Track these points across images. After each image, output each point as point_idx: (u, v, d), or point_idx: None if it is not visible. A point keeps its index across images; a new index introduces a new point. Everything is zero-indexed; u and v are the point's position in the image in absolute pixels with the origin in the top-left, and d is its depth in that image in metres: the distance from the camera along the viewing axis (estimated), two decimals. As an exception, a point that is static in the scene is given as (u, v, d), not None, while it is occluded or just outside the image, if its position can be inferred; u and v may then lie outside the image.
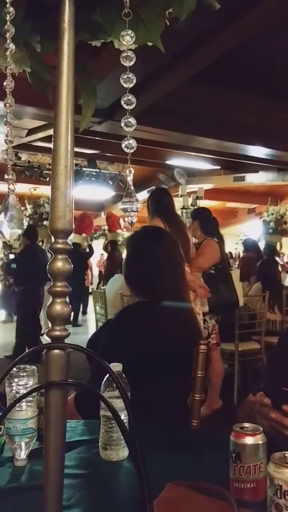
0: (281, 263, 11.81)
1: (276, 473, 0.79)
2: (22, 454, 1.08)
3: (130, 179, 0.75)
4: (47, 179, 8.51)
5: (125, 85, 0.71)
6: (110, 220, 11.34)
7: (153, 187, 7.68)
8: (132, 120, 0.72)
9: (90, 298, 7.95)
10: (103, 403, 1.06)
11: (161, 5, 0.77)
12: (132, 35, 0.72)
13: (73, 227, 0.70)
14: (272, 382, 1.14)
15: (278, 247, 8.71)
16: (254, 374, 4.51)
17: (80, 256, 9.41)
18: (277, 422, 0.94)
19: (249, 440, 0.90)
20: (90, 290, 9.73)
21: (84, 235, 10.43)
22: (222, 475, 0.92)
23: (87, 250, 10.31)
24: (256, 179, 9.11)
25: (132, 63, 0.72)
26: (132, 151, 0.72)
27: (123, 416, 0.95)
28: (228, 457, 0.92)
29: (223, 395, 3.85)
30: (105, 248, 10.72)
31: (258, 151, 6.78)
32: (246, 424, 0.94)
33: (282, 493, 0.78)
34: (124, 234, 12.14)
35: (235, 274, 3.98)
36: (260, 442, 0.91)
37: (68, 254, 0.69)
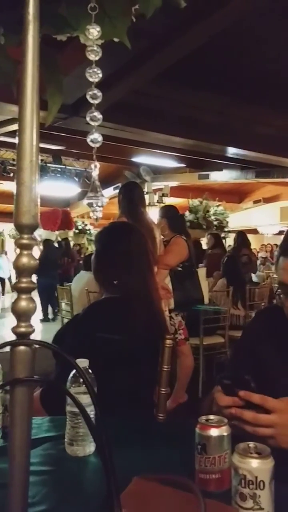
0: (263, 256, 12.03)
1: (240, 463, 0.81)
2: (-14, 452, 1.06)
3: (95, 174, 0.75)
4: (11, 174, 8.36)
5: (91, 79, 0.71)
6: (66, 218, 11.42)
7: (119, 184, 7.68)
8: (98, 115, 0.72)
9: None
10: (69, 399, 1.06)
11: (127, 1, 0.77)
12: (98, 29, 0.72)
13: (39, 222, 0.70)
14: (225, 373, 1.16)
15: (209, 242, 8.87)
16: (218, 367, 4.60)
17: (52, 251, 9.32)
18: (237, 418, 0.96)
19: (214, 432, 0.92)
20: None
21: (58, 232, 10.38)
22: (188, 467, 0.93)
23: (57, 245, 10.23)
24: (220, 177, 9.25)
25: (98, 57, 0.72)
26: (97, 145, 0.72)
27: (90, 411, 0.95)
28: (193, 449, 0.93)
29: (188, 388, 3.90)
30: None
31: (222, 149, 6.87)
32: (211, 416, 0.96)
33: (246, 482, 0.80)
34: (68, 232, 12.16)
35: (202, 271, 4.04)
36: (225, 434, 0.92)
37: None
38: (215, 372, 4.51)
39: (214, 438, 0.92)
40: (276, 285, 5.13)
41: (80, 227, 12.98)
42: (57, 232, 11.16)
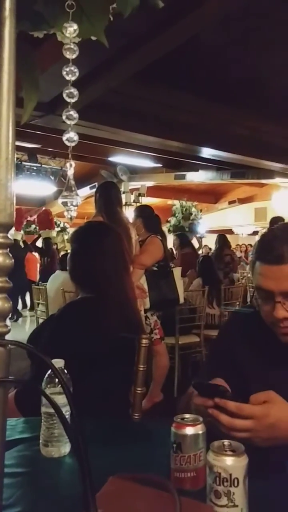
0: (239, 255, 12.18)
1: (215, 461, 0.81)
2: None
3: (70, 173, 0.74)
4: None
5: (67, 78, 0.71)
6: (47, 217, 11.22)
7: (96, 183, 7.65)
8: (74, 113, 0.72)
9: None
10: (44, 399, 1.05)
11: (105, 0, 0.77)
12: (75, 27, 0.72)
13: (14, 221, 0.69)
14: (201, 378, 1.17)
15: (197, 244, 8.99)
16: (194, 366, 4.63)
17: (17, 251, 9.21)
18: (214, 418, 0.97)
19: (189, 431, 0.92)
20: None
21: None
22: (164, 466, 0.94)
23: (22, 245, 10.12)
24: (196, 177, 9.32)
25: (75, 55, 0.71)
26: (73, 144, 0.72)
27: (65, 412, 0.95)
28: (169, 448, 0.94)
29: (164, 387, 3.91)
30: (33, 244, 10.58)
31: (198, 150, 6.93)
32: (187, 415, 0.96)
33: (221, 480, 0.80)
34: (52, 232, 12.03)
35: (177, 271, 4.06)
36: (200, 432, 0.93)
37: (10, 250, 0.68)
38: (191, 371, 4.54)
39: (190, 436, 0.92)
40: (251, 284, 5.22)
41: (61, 226, 12.85)
42: (22, 232, 11.04)
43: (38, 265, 10.89)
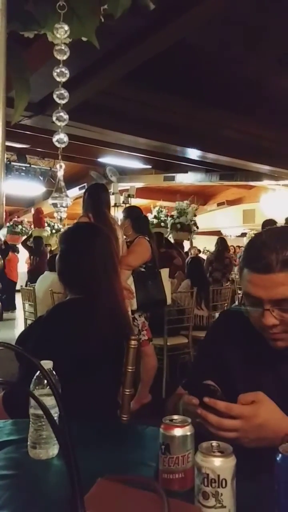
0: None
1: (203, 462, 0.81)
2: None
3: (60, 174, 0.74)
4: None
5: (58, 79, 0.71)
6: (39, 216, 11.10)
7: (85, 184, 7.62)
8: (64, 115, 0.72)
9: (18, 295, 7.74)
10: (32, 401, 1.04)
11: (96, 1, 0.77)
12: (66, 28, 0.72)
13: (4, 221, 0.69)
14: (193, 377, 1.17)
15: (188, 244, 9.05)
16: (182, 367, 4.64)
17: None
18: (202, 418, 0.97)
19: (178, 432, 0.92)
20: (17, 287, 9.42)
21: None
22: (152, 467, 0.94)
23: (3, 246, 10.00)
24: (186, 179, 9.35)
25: (65, 57, 0.72)
26: (63, 145, 0.72)
27: (54, 414, 0.94)
28: (157, 449, 0.94)
29: (152, 389, 3.91)
30: (24, 243, 10.44)
31: (187, 152, 6.95)
32: (175, 416, 0.97)
33: (209, 481, 0.80)
34: (49, 231, 11.89)
35: (164, 272, 4.06)
36: (189, 433, 0.93)
37: None
38: (179, 373, 4.55)
39: (178, 438, 0.92)
40: (239, 286, 5.25)
41: (55, 227, 12.59)
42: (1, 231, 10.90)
43: (27, 265, 10.78)
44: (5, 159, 0.69)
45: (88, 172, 9.62)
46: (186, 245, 9.50)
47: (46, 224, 12.09)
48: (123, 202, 7.82)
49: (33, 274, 9.02)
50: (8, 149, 7.76)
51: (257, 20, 3.78)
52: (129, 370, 1.61)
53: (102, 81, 4.31)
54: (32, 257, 9.95)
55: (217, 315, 4.59)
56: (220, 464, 0.81)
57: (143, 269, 3.80)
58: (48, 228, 12.16)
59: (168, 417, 0.96)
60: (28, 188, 9.40)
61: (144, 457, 0.98)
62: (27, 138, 6.29)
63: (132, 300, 3.59)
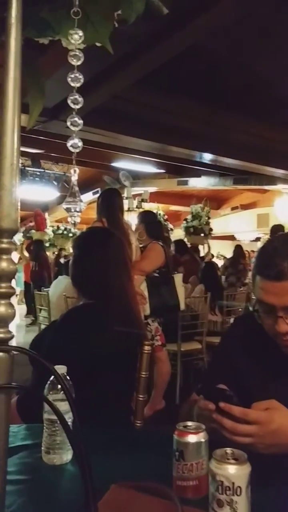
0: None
1: (217, 469, 0.81)
2: None
3: (74, 179, 0.74)
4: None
5: (72, 84, 0.71)
6: (39, 219, 10.74)
7: (98, 189, 7.65)
8: (78, 120, 0.72)
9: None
10: (46, 406, 1.04)
11: (110, 7, 0.77)
12: (80, 34, 0.72)
13: (19, 226, 0.69)
14: (208, 383, 1.16)
15: (205, 249, 9.05)
16: (196, 373, 4.61)
17: None
18: (217, 423, 0.96)
19: (191, 438, 0.92)
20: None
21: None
22: (166, 474, 0.93)
23: None
24: (199, 183, 9.33)
25: (80, 62, 0.72)
26: (77, 150, 0.72)
27: (67, 419, 0.94)
28: (171, 456, 0.93)
29: (166, 395, 3.89)
30: (27, 248, 9.93)
31: (201, 156, 6.94)
32: (189, 423, 0.96)
33: (224, 488, 0.80)
34: (51, 234, 11.56)
35: (178, 277, 4.04)
36: (203, 440, 0.92)
37: None
38: (193, 379, 4.52)
39: (192, 444, 0.92)
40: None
41: (62, 231, 12.41)
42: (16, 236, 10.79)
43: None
44: (20, 165, 0.69)
45: (102, 177, 9.66)
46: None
47: (50, 227, 11.80)
48: (136, 207, 7.83)
49: (34, 280, 8.70)
50: (23, 154, 7.82)
51: (272, 22, 3.77)
52: (143, 376, 1.60)
53: (116, 86, 4.33)
54: (32, 262, 9.29)
55: (231, 320, 4.56)
56: (234, 472, 0.80)
57: (156, 274, 3.79)
58: (50, 231, 11.77)
59: (182, 424, 0.95)
60: (42, 193, 9.44)
61: (157, 463, 0.97)
62: (41, 143, 6.34)
63: (145, 305, 3.58)
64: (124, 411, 1.59)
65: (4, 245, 0.67)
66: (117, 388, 1.53)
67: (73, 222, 0.76)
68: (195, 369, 4.69)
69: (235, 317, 3.91)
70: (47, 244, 11.31)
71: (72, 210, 0.74)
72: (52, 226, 12.17)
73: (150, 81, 4.30)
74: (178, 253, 6.47)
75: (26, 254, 9.89)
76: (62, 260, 10.15)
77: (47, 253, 10.45)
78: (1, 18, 0.69)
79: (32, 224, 11.64)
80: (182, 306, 4.00)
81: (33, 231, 11.03)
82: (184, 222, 9.26)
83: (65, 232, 12.03)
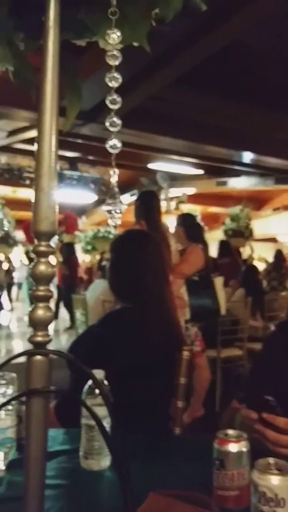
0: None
1: (260, 480, 0.79)
2: (1, 464, 1.04)
3: (114, 180, 0.73)
4: (27, 181, 8.40)
5: (110, 84, 0.70)
6: (69, 221, 10.42)
7: (135, 191, 7.67)
8: (117, 120, 0.71)
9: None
10: (84, 411, 1.04)
11: (147, 5, 0.76)
12: (118, 34, 0.71)
13: (57, 230, 0.69)
14: (251, 391, 1.13)
15: (246, 251, 8.94)
16: (236, 380, 4.51)
17: None
18: (260, 433, 0.94)
19: (232, 447, 0.90)
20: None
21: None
22: (206, 483, 0.91)
23: None
24: (239, 184, 9.19)
25: (118, 62, 0.71)
26: (116, 151, 0.71)
27: (105, 424, 0.93)
28: (211, 464, 0.91)
29: (205, 402, 3.83)
30: (60, 251, 9.61)
31: (241, 156, 6.85)
32: (230, 431, 0.94)
33: (266, 499, 0.78)
34: (81, 236, 11.45)
35: (218, 281, 3.98)
36: (244, 449, 0.90)
37: None
38: (233, 386, 4.43)
39: (233, 453, 0.89)
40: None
41: (103, 234, 12.22)
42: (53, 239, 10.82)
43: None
44: (58, 168, 0.69)
45: (139, 179, 9.67)
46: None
47: (90, 231, 11.79)
48: (175, 209, 7.81)
49: (65, 285, 8.55)
50: (60, 158, 7.96)
51: None
52: (182, 382, 1.58)
53: (153, 86, 4.33)
54: (63, 265, 9.00)
55: (272, 326, 4.45)
56: (278, 483, 0.78)
57: (196, 278, 3.75)
58: (81, 234, 11.64)
59: (222, 432, 0.93)
60: (79, 196, 9.52)
61: (197, 472, 0.95)
62: (79, 146, 6.43)
63: (185, 310, 3.54)
64: (162, 418, 1.57)
65: (42, 248, 0.67)
66: (155, 394, 1.51)
67: (114, 224, 0.75)
68: (236, 376, 4.60)
69: (278, 322, 3.81)
70: (88, 248, 11.37)
71: (113, 212, 0.73)
72: (92, 230, 12.24)
73: (187, 80, 4.27)
74: (221, 255, 6.40)
75: (59, 257, 9.87)
76: (104, 263, 10.10)
77: (89, 256, 10.47)
78: (39, 21, 0.69)
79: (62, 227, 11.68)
80: (223, 311, 3.93)
81: (64, 234, 10.89)
82: (223, 225, 9.17)
83: (105, 235, 11.99)
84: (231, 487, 0.89)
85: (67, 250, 9.31)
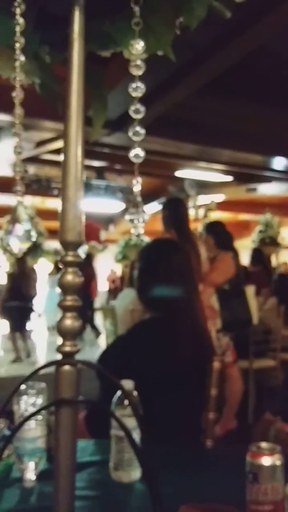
0: None
1: (295, 496, 0.76)
2: (31, 474, 1.04)
3: (137, 189, 0.73)
4: (55, 192, 8.50)
5: (133, 94, 0.70)
6: (87, 230, 10.78)
7: (164, 199, 7.65)
8: (140, 130, 0.71)
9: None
10: (114, 422, 1.03)
11: (171, 14, 0.76)
12: (142, 44, 0.71)
13: (84, 240, 0.69)
14: (284, 403, 1.10)
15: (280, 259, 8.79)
16: (269, 392, 4.41)
17: None
18: None
19: (266, 461, 0.87)
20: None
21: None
22: (238, 497, 0.88)
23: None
24: (269, 190, 9.05)
25: (141, 72, 0.71)
26: (139, 161, 0.71)
27: (135, 435, 0.92)
28: (243, 478, 0.88)
29: (238, 414, 3.75)
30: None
31: (270, 161, 6.75)
32: (263, 444, 0.91)
33: (302, 515, 0.74)
34: (99, 247, 11.37)
35: (250, 290, 3.90)
36: (278, 463, 0.87)
37: None
38: (266, 397, 4.32)
39: (267, 467, 0.86)
40: None
41: (134, 242, 12.23)
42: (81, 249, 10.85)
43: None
44: (85, 178, 0.69)
45: (166, 187, 9.66)
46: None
47: (103, 241, 11.72)
48: (203, 216, 7.76)
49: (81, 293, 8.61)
50: (87, 168, 8.04)
51: None
52: (213, 393, 1.55)
53: (179, 94, 4.33)
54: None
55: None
56: (314, 499, 0.74)
57: (226, 287, 3.69)
58: (99, 246, 11.58)
59: (255, 444, 0.90)
60: (107, 205, 9.56)
61: (229, 485, 0.93)
62: (105, 156, 6.47)
63: (217, 320, 3.48)
64: (194, 430, 1.54)
65: (69, 258, 0.67)
66: (185, 405, 1.48)
67: (136, 233, 0.74)
68: (269, 388, 4.49)
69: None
70: (119, 257, 11.38)
71: (135, 221, 0.73)
72: (123, 238, 12.28)
73: (213, 86, 4.25)
74: (252, 263, 6.29)
75: None
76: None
77: (120, 265, 10.39)
78: (64, 34, 0.70)
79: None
80: (255, 320, 3.85)
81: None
82: (254, 234, 9.06)
83: (137, 243, 11.99)
84: (265, 501, 0.86)
85: (87, 260, 9.30)
